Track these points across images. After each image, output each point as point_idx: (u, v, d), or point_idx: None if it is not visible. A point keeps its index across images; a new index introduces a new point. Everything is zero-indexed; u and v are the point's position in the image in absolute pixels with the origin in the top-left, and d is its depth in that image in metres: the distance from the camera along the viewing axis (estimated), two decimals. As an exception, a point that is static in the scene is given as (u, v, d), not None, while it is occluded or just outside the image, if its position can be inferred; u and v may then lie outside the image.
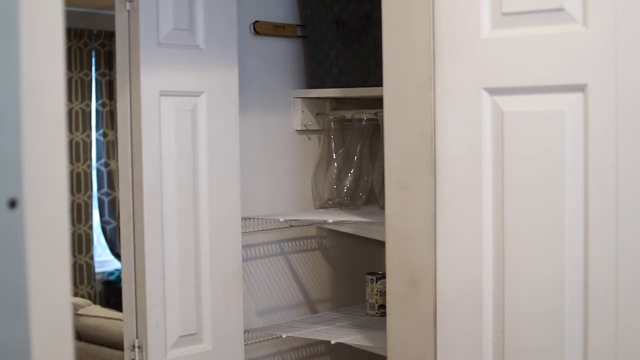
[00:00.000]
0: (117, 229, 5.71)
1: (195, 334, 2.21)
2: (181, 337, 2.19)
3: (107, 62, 5.74)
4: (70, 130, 5.56)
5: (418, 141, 1.64)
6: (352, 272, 2.75)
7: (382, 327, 1.79)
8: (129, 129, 2.12)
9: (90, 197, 5.76)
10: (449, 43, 1.59)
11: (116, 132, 2.18)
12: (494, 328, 1.57)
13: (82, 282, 5.76)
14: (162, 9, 2.12)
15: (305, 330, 2.34)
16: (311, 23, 2.56)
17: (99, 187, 5.87)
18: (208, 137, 2.23)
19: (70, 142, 5.58)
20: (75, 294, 5.55)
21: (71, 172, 5.65)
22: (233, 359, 2.29)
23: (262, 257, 2.50)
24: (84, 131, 5.69)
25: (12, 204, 0.75)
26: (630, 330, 1.41)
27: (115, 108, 2.19)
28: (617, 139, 1.39)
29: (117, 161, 2.22)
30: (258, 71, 2.53)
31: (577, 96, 1.43)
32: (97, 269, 5.95)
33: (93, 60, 5.74)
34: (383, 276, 2.31)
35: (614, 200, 1.40)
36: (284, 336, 2.31)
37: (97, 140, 5.82)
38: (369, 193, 2.51)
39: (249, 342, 2.36)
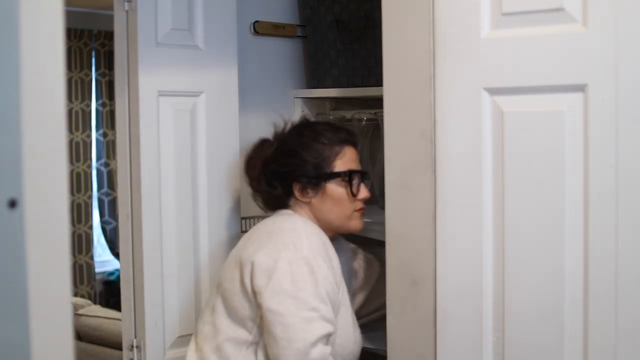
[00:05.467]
0: (117, 229, 5.71)
1: (194, 334, 2.21)
2: (179, 337, 2.18)
3: (107, 62, 5.74)
4: (70, 130, 5.56)
5: (418, 141, 1.64)
6: (352, 272, 2.75)
7: (382, 327, 1.79)
8: (127, 129, 2.12)
9: (90, 197, 5.76)
10: (449, 43, 1.59)
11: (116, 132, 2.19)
12: (494, 328, 1.57)
13: (82, 282, 5.76)
14: (160, 9, 2.11)
15: (305, 330, 2.34)
16: (311, 23, 2.56)
17: (99, 187, 5.87)
18: (207, 137, 2.22)
19: (70, 142, 5.58)
20: (75, 294, 5.55)
21: (71, 172, 5.65)
22: (233, 359, 2.29)
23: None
24: (84, 131, 5.69)
25: (12, 204, 0.75)
26: (630, 330, 1.41)
27: (115, 108, 2.18)
28: (617, 139, 1.39)
29: (116, 161, 2.22)
30: (258, 71, 2.53)
31: (577, 96, 1.43)
32: (97, 269, 5.95)
33: (93, 60, 5.74)
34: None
35: (613, 200, 1.40)
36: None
37: (97, 140, 5.82)
38: (368, 193, 2.51)
39: (248, 342, 2.36)
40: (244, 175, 2.08)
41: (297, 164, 1.95)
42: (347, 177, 1.96)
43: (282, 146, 1.98)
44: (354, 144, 2.01)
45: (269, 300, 1.74)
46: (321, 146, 1.95)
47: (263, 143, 2.04)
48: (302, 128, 2.03)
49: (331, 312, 1.79)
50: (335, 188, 1.95)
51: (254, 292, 1.78)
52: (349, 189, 1.95)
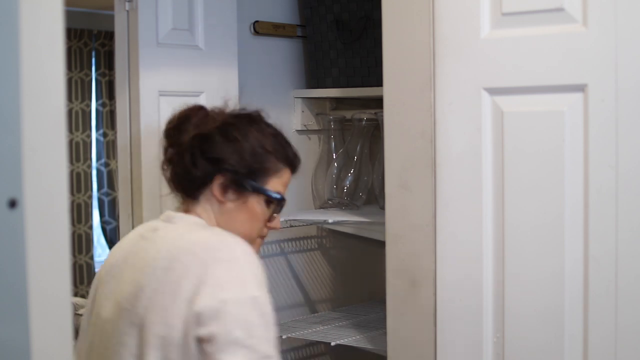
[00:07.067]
0: (117, 229, 5.71)
1: None
2: (181, 337, 2.18)
3: (107, 62, 5.74)
4: (70, 130, 5.56)
5: (418, 141, 1.64)
6: (352, 272, 2.75)
7: (382, 327, 1.79)
8: (128, 129, 2.12)
9: (90, 197, 5.76)
10: (449, 43, 1.59)
11: (116, 132, 2.19)
12: (494, 328, 1.57)
13: (82, 282, 5.76)
14: (161, 9, 2.12)
15: (306, 331, 2.34)
16: (311, 23, 2.56)
17: (99, 187, 5.87)
18: (208, 137, 2.23)
19: (70, 142, 5.58)
20: (75, 294, 5.55)
21: (71, 172, 5.65)
22: (233, 359, 2.28)
23: (262, 257, 2.50)
24: (84, 131, 5.69)
25: (12, 204, 0.75)
26: (630, 330, 1.41)
27: (115, 108, 2.19)
28: (616, 139, 1.39)
29: (116, 161, 2.22)
30: (258, 71, 2.53)
31: (577, 96, 1.43)
32: (97, 269, 5.94)
33: (93, 60, 5.74)
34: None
35: (613, 200, 1.40)
36: (284, 337, 2.31)
37: (97, 140, 5.82)
38: (369, 193, 2.51)
39: (249, 342, 2.36)
40: (165, 137, 1.72)
41: (232, 156, 1.65)
42: (276, 202, 1.70)
43: (223, 127, 1.67)
44: (294, 170, 1.74)
45: (221, 353, 1.45)
46: (264, 152, 1.68)
47: (198, 110, 1.71)
48: (254, 120, 1.74)
49: (278, 354, 1.52)
50: (256, 204, 1.68)
51: (200, 340, 1.48)
52: (268, 213, 1.70)
